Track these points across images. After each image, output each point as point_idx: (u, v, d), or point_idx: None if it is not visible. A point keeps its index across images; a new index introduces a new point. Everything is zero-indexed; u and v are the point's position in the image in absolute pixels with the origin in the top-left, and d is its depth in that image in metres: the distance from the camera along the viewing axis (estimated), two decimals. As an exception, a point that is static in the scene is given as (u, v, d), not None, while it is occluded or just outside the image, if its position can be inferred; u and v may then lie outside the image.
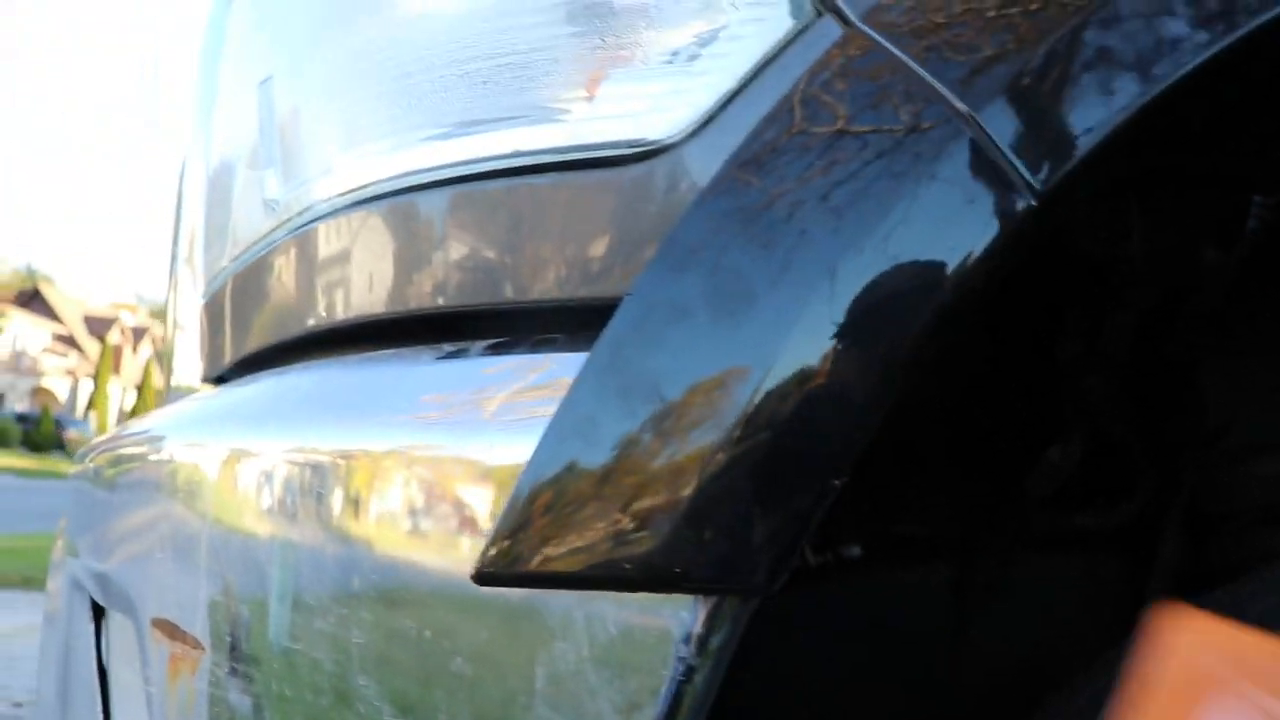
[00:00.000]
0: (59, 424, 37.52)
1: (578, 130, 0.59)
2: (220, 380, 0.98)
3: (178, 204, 1.28)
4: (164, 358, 1.26)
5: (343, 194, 0.69)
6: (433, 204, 0.63)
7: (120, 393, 50.46)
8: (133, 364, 52.82)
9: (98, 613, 0.97)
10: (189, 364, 1.08)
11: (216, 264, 0.94)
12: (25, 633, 4.84)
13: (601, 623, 0.49)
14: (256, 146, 0.86)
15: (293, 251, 0.75)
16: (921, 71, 0.52)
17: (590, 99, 0.59)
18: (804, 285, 0.48)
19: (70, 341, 50.71)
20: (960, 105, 0.51)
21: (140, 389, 43.36)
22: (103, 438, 1.01)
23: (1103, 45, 0.50)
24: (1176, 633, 0.37)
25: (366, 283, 0.68)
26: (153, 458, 0.79)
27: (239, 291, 0.86)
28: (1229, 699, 0.35)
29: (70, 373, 49.89)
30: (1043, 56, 0.51)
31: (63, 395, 49.18)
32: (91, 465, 0.97)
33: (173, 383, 1.17)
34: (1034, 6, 0.52)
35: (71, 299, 55.31)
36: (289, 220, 0.76)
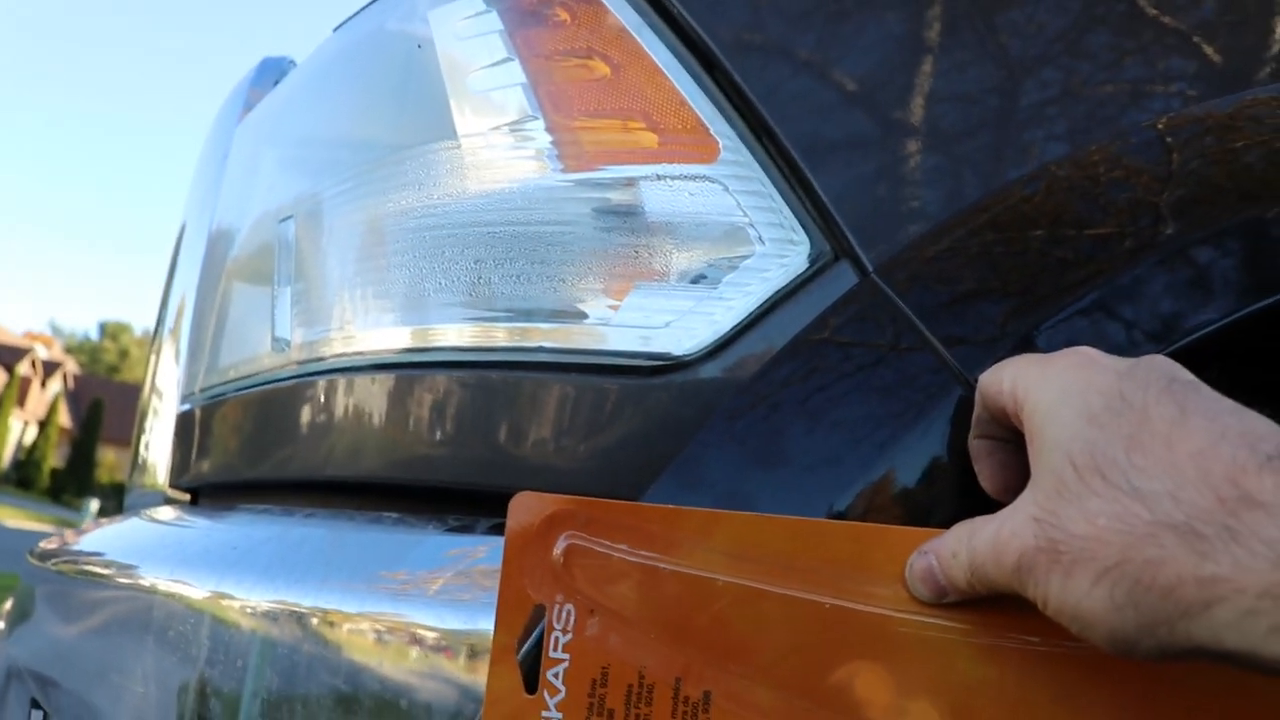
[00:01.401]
0: (-48, 454, 36.18)
1: (602, 334, 0.63)
2: (191, 490, 1.00)
3: (171, 267, 1.30)
4: (136, 427, 1.28)
5: (358, 353, 0.72)
6: (450, 382, 0.67)
7: (21, 427, 48.94)
8: (39, 399, 51.35)
9: (34, 706, 0.96)
10: (159, 459, 1.09)
11: (208, 376, 0.96)
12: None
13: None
14: (264, 272, 0.89)
15: (297, 395, 0.78)
16: (925, 331, 0.57)
17: (617, 307, 0.63)
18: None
19: (-25, 369, 49.22)
20: (956, 367, 0.56)
21: (44, 425, 42.13)
22: (73, 541, 1.01)
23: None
24: (531, 501, 0.52)
25: (367, 443, 0.71)
26: (136, 585, 0.79)
27: (231, 418, 0.88)
28: (570, 531, 0.51)
29: (-29, 401, 48.30)
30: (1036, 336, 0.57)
31: (-40, 424, 47.50)
32: (55, 569, 0.97)
33: (141, 468, 1.18)
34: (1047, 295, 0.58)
35: (-16, 324, 53.75)
36: (296, 364, 0.78)
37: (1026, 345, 0.55)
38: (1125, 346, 0.55)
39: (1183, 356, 0.53)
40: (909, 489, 0.54)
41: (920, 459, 0.55)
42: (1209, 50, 0.64)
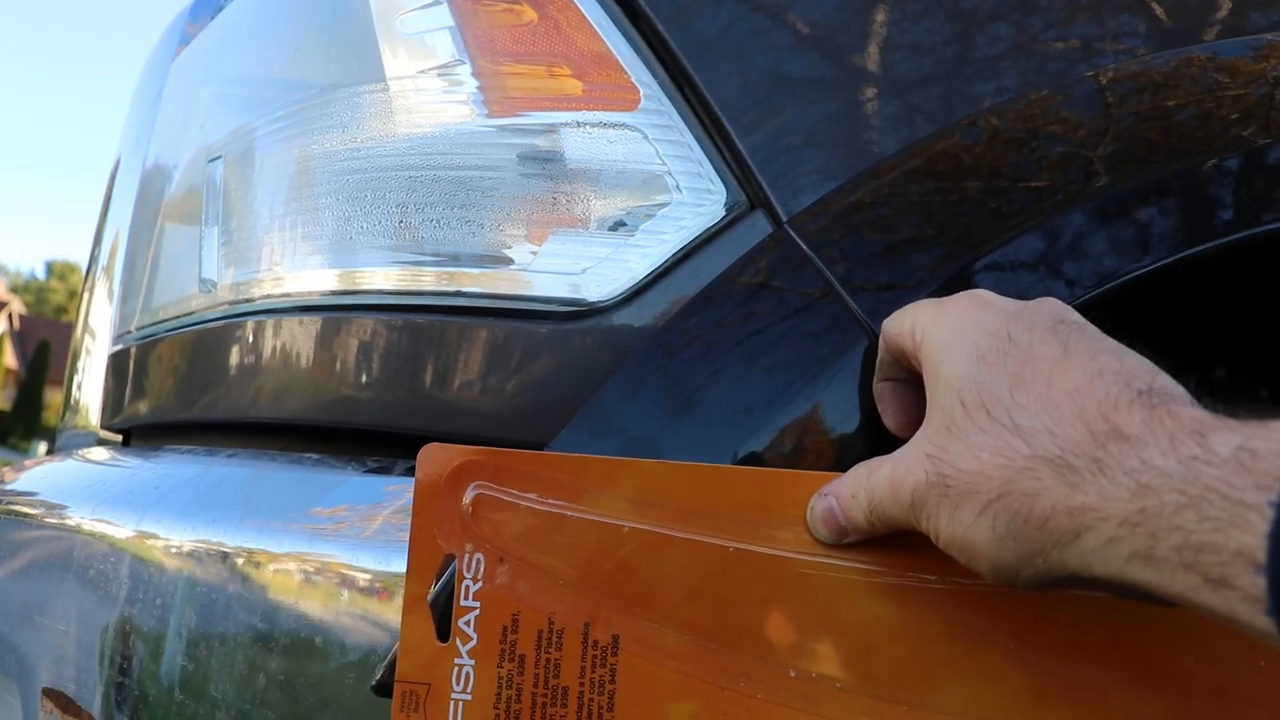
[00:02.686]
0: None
1: (521, 280, 0.64)
2: (123, 431, 1.00)
3: (106, 202, 1.29)
4: (69, 367, 1.27)
5: (284, 296, 0.73)
6: (373, 325, 0.67)
7: (-35, 368, 48.12)
8: (-17, 338, 50.39)
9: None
10: (91, 400, 1.09)
11: (141, 316, 0.96)
12: None
13: None
14: (194, 211, 0.89)
15: (224, 337, 0.78)
16: (834, 281, 0.58)
17: (536, 253, 0.64)
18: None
19: (-82, 307, 48.18)
20: (862, 318, 0.57)
21: (-12, 365, 41.39)
22: (2, 480, 1.01)
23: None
24: (438, 452, 0.52)
25: (291, 386, 0.71)
26: (61, 525, 0.80)
27: (162, 359, 0.89)
28: (478, 481, 0.52)
29: (-87, 340, 47.28)
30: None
31: (-98, 363, 46.55)
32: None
33: (74, 408, 1.18)
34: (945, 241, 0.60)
35: (-71, 263, 52.45)
36: (224, 305, 0.79)
37: (940, 295, 0.56)
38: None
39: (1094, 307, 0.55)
40: (817, 434, 0.56)
41: (829, 405, 0.56)
42: (1158, 9, 0.65)
